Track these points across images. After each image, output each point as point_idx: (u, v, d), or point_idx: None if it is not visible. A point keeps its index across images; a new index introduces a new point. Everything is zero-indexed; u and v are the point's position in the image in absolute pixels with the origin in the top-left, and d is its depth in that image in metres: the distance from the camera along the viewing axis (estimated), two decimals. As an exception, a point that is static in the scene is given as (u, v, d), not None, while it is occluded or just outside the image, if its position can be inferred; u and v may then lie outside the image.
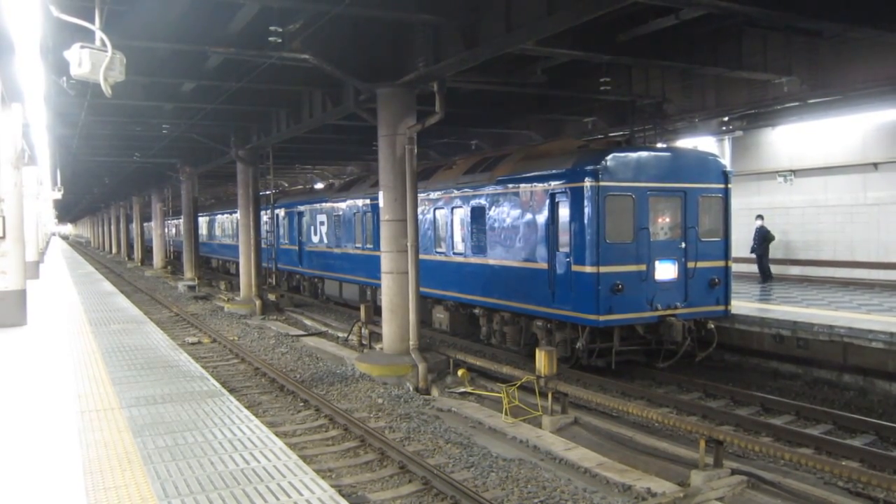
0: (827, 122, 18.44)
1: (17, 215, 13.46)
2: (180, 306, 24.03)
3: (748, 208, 19.72)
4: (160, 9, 10.59)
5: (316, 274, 24.37)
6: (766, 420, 10.13)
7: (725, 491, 7.47)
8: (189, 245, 32.68)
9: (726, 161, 17.02)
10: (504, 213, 13.87)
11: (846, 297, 15.46)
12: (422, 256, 13.69)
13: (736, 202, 14.48)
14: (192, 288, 28.93)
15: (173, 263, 41.56)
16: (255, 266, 23.07)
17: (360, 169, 31.25)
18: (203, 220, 39.85)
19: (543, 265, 12.73)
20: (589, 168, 11.87)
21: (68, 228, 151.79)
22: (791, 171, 20.15)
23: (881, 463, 8.28)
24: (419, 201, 14.01)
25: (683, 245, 12.54)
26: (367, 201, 19.44)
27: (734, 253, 13.59)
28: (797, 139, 19.97)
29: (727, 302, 12.89)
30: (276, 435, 7.08)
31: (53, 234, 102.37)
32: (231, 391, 10.67)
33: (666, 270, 12.32)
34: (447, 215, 15.83)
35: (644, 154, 12.82)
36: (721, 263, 12.91)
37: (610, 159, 11.92)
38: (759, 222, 18.67)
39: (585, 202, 11.81)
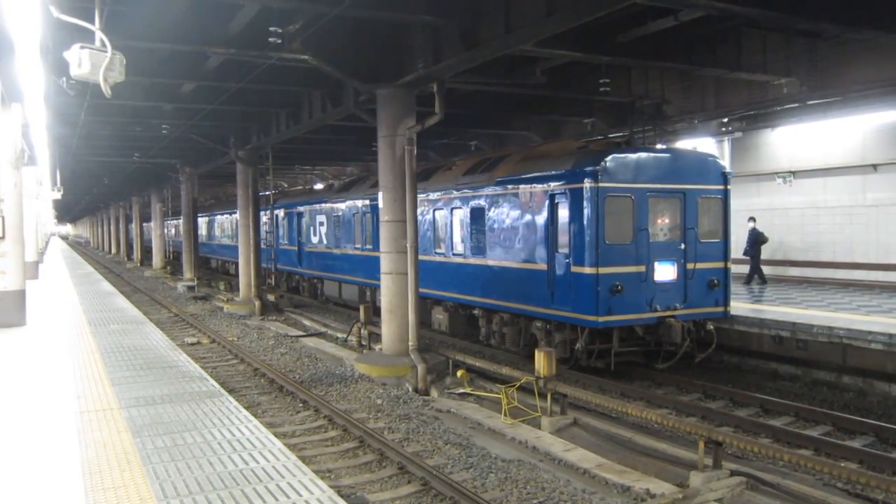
0: (826, 123, 18.47)
1: (16, 215, 13.45)
2: (179, 307, 24.03)
3: (748, 209, 19.72)
4: (160, 9, 10.58)
5: (315, 274, 24.37)
6: (765, 421, 10.14)
7: (724, 492, 7.47)
8: (188, 245, 32.67)
9: (726, 162, 17.07)
10: (503, 214, 13.87)
11: (845, 298, 15.47)
12: (421, 257, 13.69)
13: (735, 203, 14.49)
14: (191, 288, 28.92)
15: (173, 264, 41.54)
16: (254, 266, 23.07)
17: (360, 170, 31.25)
18: (202, 221, 39.85)
19: (543, 266, 12.74)
20: (588, 169, 11.87)
21: (68, 229, 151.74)
22: (790, 172, 20.17)
23: (880, 464, 8.29)
24: (419, 202, 14.02)
25: (683, 246, 12.55)
26: (367, 202, 19.44)
27: (733, 254, 13.59)
28: (796, 140, 19.99)
29: (726, 303, 12.90)
30: (276, 435, 7.07)
31: (53, 235, 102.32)
32: (230, 391, 10.66)
33: (665, 271, 12.32)
34: (446, 216, 15.84)
35: (643, 155, 12.83)
36: (720, 264, 12.92)
37: (609, 160, 11.93)
38: (751, 224, 18.61)
39: (585, 203, 11.82)
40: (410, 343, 12.83)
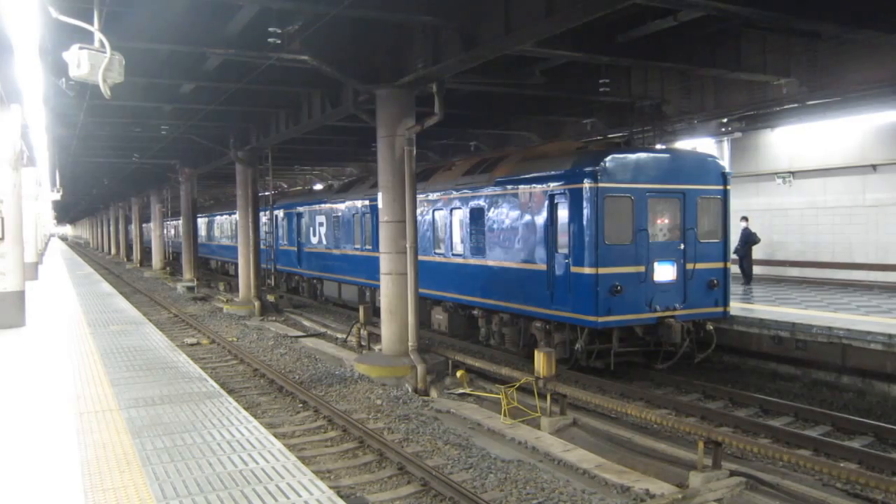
0: (826, 123, 18.46)
1: (15, 216, 13.44)
2: (179, 307, 24.01)
3: (747, 209, 19.73)
4: (159, 10, 10.58)
5: (315, 275, 24.37)
6: (764, 421, 10.13)
7: (724, 492, 7.47)
8: (188, 246, 32.65)
9: (725, 162, 17.05)
10: (503, 215, 13.87)
11: (845, 298, 15.47)
12: (421, 257, 13.68)
13: (735, 203, 14.49)
14: (190, 289, 28.91)
15: (172, 264, 41.52)
16: (253, 267, 23.07)
17: (359, 170, 31.24)
18: (202, 221, 39.84)
19: (542, 266, 12.74)
20: (588, 169, 11.88)
21: (67, 229, 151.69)
22: (790, 172, 20.18)
23: (880, 464, 8.28)
24: (418, 202, 14.02)
25: (682, 246, 12.54)
26: (366, 202, 19.44)
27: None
28: (796, 141, 20.00)
29: (726, 303, 12.90)
30: (275, 436, 7.07)
31: (52, 236, 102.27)
32: (230, 392, 10.65)
33: (665, 272, 12.32)
34: (446, 216, 15.83)
35: (643, 155, 12.83)
36: (720, 265, 12.92)
37: (609, 160, 11.93)
38: (743, 223, 18.57)
39: (584, 203, 11.82)
40: (410, 343, 12.83)
